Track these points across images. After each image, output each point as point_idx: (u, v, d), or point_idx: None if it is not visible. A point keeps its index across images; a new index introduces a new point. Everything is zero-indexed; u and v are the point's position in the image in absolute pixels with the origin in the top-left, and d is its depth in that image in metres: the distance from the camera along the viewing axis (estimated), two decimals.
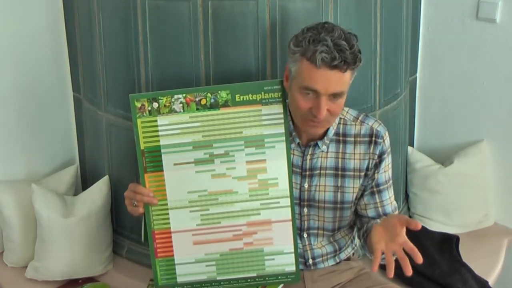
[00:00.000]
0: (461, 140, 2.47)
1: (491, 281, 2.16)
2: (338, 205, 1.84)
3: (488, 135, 2.41)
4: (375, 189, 1.83)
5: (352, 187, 1.82)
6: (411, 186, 2.49)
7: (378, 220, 1.80)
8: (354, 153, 1.80)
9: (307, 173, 1.81)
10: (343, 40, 1.59)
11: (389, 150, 1.82)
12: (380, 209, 1.84)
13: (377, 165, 1.80)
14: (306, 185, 1.82)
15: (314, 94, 1.62)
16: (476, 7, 2.29)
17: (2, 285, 2.17)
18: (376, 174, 1.81)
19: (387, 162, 1.82)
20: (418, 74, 2.53)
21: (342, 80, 1.61)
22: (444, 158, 2.49)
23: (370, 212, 1.85)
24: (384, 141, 1.80)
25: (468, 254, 2.23)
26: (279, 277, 1.88)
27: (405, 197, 2.52)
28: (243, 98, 1.75)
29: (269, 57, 1.92)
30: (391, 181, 1.86)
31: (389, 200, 1.85)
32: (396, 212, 1.88)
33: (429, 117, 2.55)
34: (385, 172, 1.82)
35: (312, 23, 1.65)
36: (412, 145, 2.60)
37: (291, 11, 1.90)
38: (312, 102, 1.64)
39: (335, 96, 1.63)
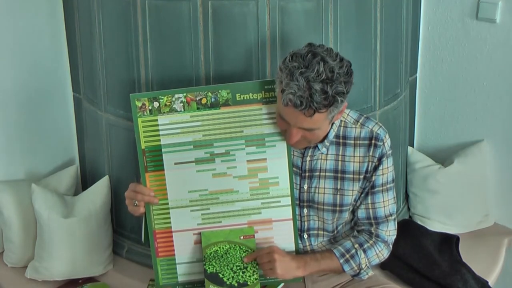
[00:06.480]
0: (461, 140, 2.47)
1: (491, 281, 2.16)
2: (337, 208, 1.83)
3: (488, 135, 2.41)
4: (369, 190, 1.82)
5: (351, 190, 1.82)
6: (411, 186, 2.49)
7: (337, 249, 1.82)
8: (354, 156, 1.79)
9: (307, 174, 1.81)
10: (321, 81, 1.53)
11: (389, 152, 1.80)
12: (370, 211, 1.83)
13: (376, 168, 1.79)
14: (305, 186, 1.82)
15: (287, 121, 1.64)
16: (476, 7, 2.29)
17: (2, 285, 2.17)
18: (373, 176, 1.80)
19: (386, 164, 1.80)
20: (418, 74, 2.53)
21: (312, 119, 1.59)
22: (444, 158, 2.49)
23: (360, 213, 1.84)
24: (384, 144, 1.79)
25: (468, 254, 2.23)
26: None
27: (405, 197, 2.52)
28: (243, 97, 1.75)
29: (269, 57, 1.92)
30: (390, 184, 1.83)
31: (382, 204, 1.83)
32: (391, 218, 1.85)
33: (429, 117, 2.55)
34: (383, 174, 1.81)
35: (303, 48, 1.60)
36: (412, 145, 2.60)
37: (291, 11, 1.90)
38: (286, 126, 1.67)
39: (306, 129, 1.64)
